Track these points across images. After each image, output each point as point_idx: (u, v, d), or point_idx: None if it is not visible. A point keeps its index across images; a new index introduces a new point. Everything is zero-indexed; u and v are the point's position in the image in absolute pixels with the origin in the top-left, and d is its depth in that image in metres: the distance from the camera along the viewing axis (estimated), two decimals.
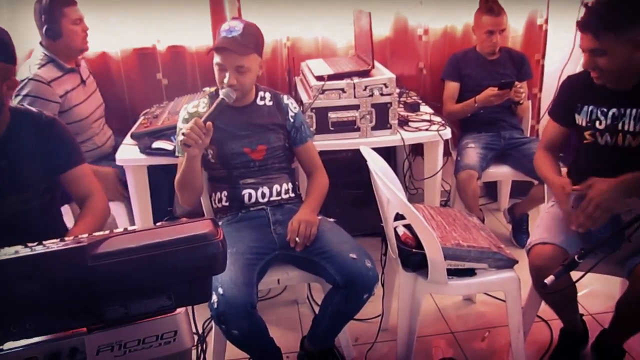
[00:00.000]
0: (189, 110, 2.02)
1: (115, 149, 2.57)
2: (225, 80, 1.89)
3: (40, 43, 2.44)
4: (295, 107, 2.10)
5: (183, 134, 1.74)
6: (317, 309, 2.39)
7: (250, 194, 2.00)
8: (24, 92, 2.28)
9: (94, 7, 2.66)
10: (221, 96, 1.87)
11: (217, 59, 1.90)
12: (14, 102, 2.25)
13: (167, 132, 2.38)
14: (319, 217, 1.97)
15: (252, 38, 1.91)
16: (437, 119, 2.54)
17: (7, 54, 1.53)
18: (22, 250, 0.90)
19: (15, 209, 1.66)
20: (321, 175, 2.11)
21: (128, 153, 2.36)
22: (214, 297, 1.67)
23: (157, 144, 2.32)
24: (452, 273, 1.82)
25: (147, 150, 2.32)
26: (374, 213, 2.05)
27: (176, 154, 2.01)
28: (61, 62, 2.43)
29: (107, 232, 1.12)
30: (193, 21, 2.83)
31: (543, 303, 1.99)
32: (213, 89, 2.80)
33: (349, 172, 2.85)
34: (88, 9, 2.53)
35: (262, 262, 1.84)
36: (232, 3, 2.77)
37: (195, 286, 0.94)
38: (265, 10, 2.86)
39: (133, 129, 2.51)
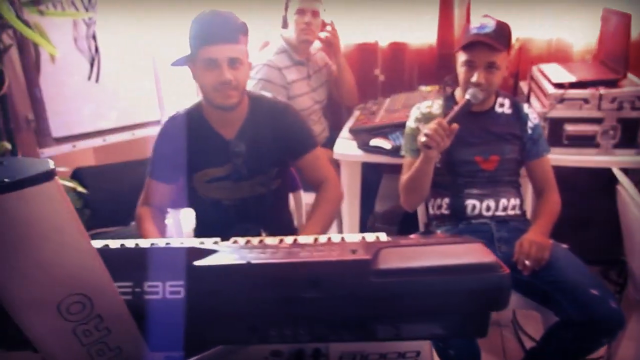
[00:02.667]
0: (422, 110, 1.95)
1: (328, 140, 2.63)
2: (474, 79, 1.78)
3: (280, 35, 2.58)
4: (535, 118, 1.92)
5: (425, 134, 1.67)
6: (522, 336, 2.21)
7: (474, 205, 1.88)
8: (259, 76, 2.45)
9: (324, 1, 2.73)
10: (467, 97, 1.77)
11: (464, 56, 1.80)
12: (249, 86, 2.42)
13: (385, 130, 2.36)
14: (551, 241, 1.77)
15: (504, 35, 1.81)
16: None
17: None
18: (302, 254, 0.89)
19: (250, 192, 1.75)
20: (554, 194, 1.91)
21: (345, 147, 2.38)
22: None
23: (374, 142, 2.31)
24: None
25: (364, 146, 2.32)
26: (594, 238, 1.81)
27: (402, 153, 1.96)
28: (293, 53, 2.54)
29: (375, 238, 1.09)
30: (419, 18, 2.76)
31: None
32: (429, 88, 2.74)
33: (564, 188, 2.57)
34: None
35: None
36: (461, 1, 2.65)
37: (471, 319, 0.86)
38: (495, 8, 2.67)
39: (351, 124, 2.53)
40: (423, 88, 2.73)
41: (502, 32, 1.80)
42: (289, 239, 1.21)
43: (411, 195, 1.88)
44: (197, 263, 0.84)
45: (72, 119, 2.53)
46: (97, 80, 2.47)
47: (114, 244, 1.08)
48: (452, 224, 1.91)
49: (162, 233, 1.71)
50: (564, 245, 1.81)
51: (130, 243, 1.08)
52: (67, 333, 0.61)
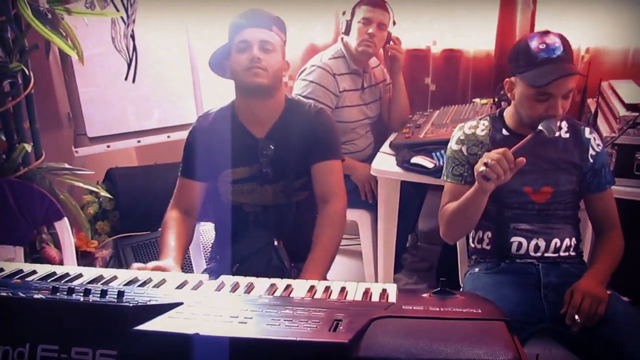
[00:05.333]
0: (465, 131, 1.71)
1: (370, 157, 2.44)
2: (552, 112, 1.52)
3: (341, 39, 2.41)
4: (598, 145, 1.65)
5: (486, 164, 1.43)
6: None
7: (520, 243, 1.64)
8: (310, 78, 2.30)
9: None
10: (540, 128, 1.51)
11: (535, 88, 1.52)
12: (298, 87, 2.31)
13: (429, 147, 2.15)
14: (608, 292, 1.51)
15: (572, 53, 1.56)
16: None
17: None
18: (273, 329, 0.72)
19: (273, 200, 1.68)
20: (617, 234, 1.65)
21: (384, 163, 2.20)
22: None
23: (416, 160, 2.10)
24: None
25: (404, 164, 2.12)
26: None
27: (444, 178, 1.72)
28: (350, 61, 2.38)
29: (380, 293, 0.92)
30: (476, 22, 2.51)
31: None
32: (484, 100, 2.49)
33: (630, 227, 2.23)
34: None
35: (523, 335, 1.48)
36: (525, 5, 2.39)
37: None
38: (562, 13, 2.40)
39: (392, 137, 2.33)
40: (477, 101, 2.49)
41: (571, 51, 1.55)
42: (282, 284, 1.07)
43: (454, 227, 1.66)
44: (136, 328, 0.70)
45: (107, 119, 2.49)
46: (133, 81, 2.40)
47: (75, 279, 0.96)
48: (493, 262, 1.68)
49: (186, 245, 1.64)
50: (625, 299, 1.55)
51: (91, 273, 0.95)
52: None
